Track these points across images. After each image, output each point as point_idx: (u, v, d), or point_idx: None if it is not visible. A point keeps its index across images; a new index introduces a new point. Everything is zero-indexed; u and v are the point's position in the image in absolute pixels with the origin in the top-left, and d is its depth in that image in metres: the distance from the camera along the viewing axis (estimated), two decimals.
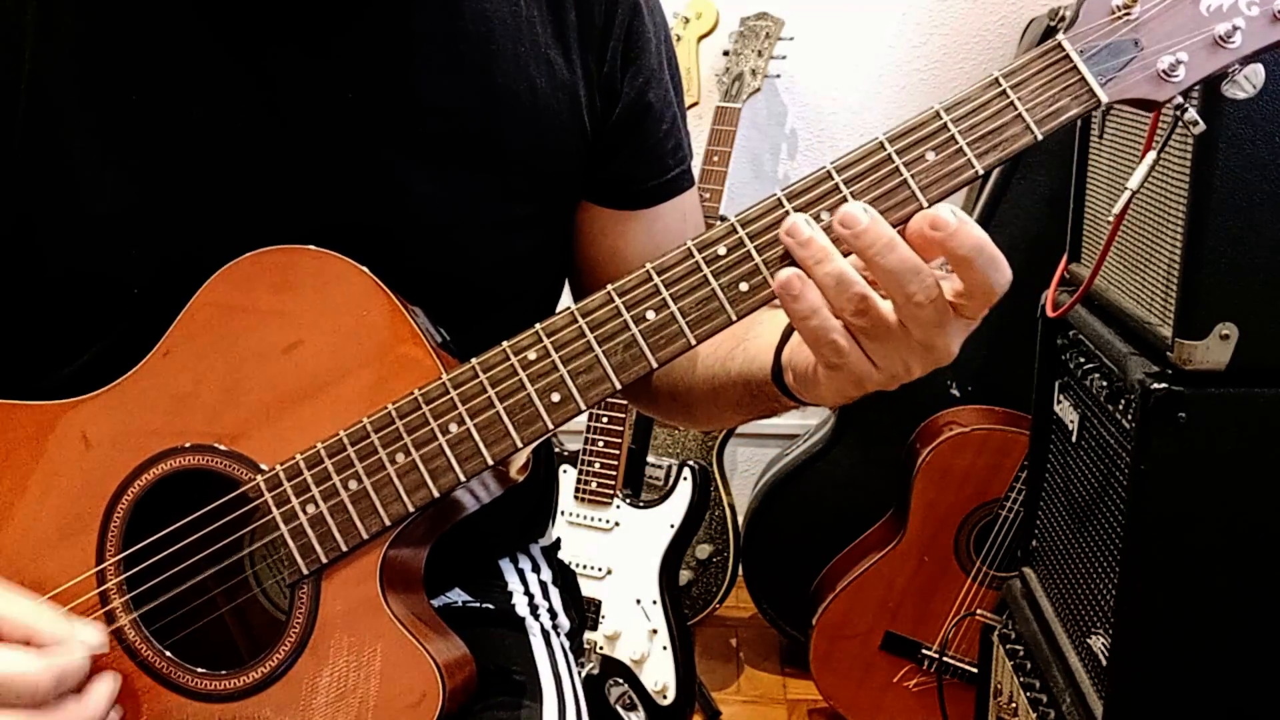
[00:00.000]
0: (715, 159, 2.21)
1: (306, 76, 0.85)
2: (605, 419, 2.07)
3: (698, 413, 0.97)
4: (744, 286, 0.75)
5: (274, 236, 0.83)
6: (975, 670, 1.89)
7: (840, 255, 0.71)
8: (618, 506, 2.09)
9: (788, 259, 0.75)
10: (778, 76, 2.43)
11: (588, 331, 0.77)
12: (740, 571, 2.38)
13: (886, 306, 0.71)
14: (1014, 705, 1.63)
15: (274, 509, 0.81)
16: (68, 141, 0.83)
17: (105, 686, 0.80)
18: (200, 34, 0.84)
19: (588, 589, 2.05)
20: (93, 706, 0.79)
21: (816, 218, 0.73)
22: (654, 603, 2.07)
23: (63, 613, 0.81)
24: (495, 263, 0.92)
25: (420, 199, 0.88)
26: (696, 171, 1.01)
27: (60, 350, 0.89)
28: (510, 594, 1.10)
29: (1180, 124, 0.76)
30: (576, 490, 2.10)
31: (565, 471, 2.10)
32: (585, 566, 2.08)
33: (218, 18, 0.84)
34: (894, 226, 0.75)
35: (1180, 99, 0.74)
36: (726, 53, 2.36)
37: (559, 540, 1.21)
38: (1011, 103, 0.72)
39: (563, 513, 2.11)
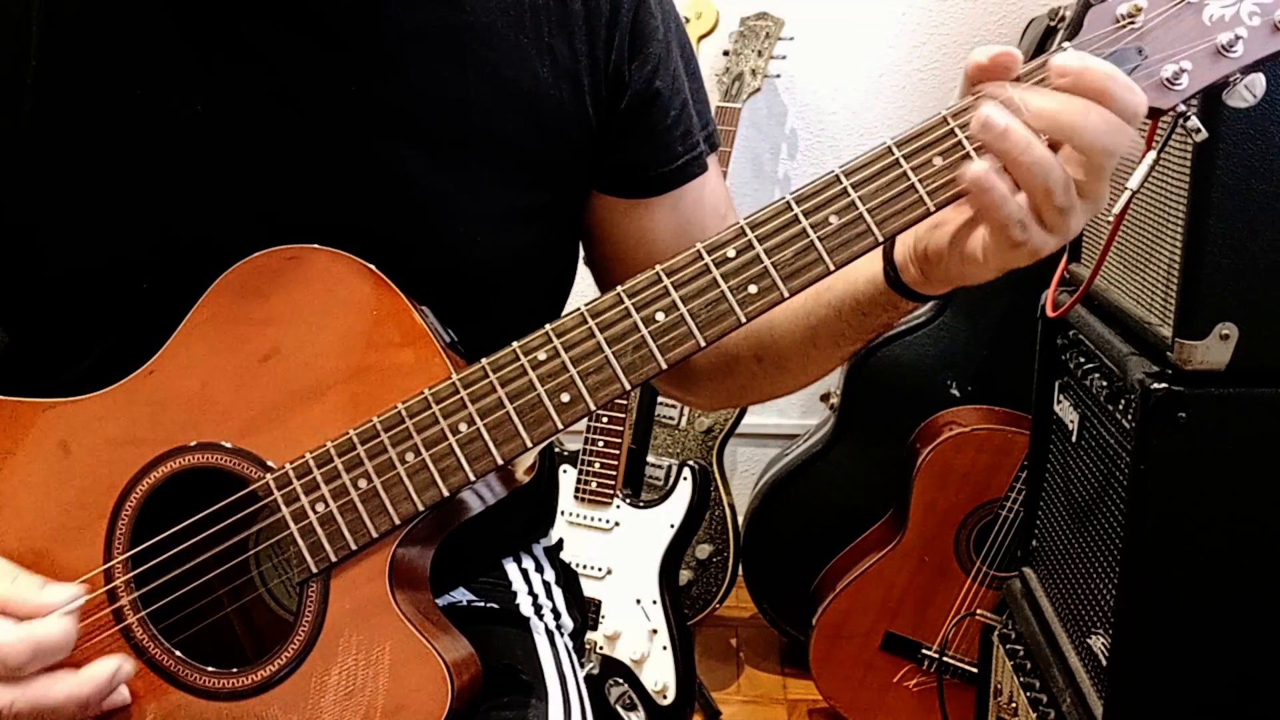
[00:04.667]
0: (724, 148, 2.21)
1: (309, 69, 0.85)
2: (605, 419, 2.07)
3: (791, 363, 0.94)
4: (753, 289, 0.76)
5: (279, 229, 0.83)
6: (975, 670, 1.90)
7: (1038, 140, 0.71)
8: (618, 506, 2.10)
9: (797, 262, 0.75)
10: (778, 76, 2.43)
11: (597, 332, 0.77)
12: (740, 571, 2.39)
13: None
14: (1014, 705, 1.63)
15: (283, 507, 0.81)
16: (73, 138, 0.84)
17: (105, 665, 0.80)
18: (205, 27, 0.84)
19: (588, 589, 2.05)
20: (87, 682, 0.78)
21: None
22: (654, 603, 2.07)
23: (39, 581, 0.80)
24: (501, 255, 0.92)
25: (424, 190, 0.88)
26: None
27: (72, 346, 0.89)
28: (514, 594, 1.10)
29: (1182, 130, 0.77)
30: (576, 490, 2.10)
31: (565, 471, 2.11)
32: (585, 566, 2.08)
33: (223, 12, 0.84)
34: (900, 231, 0.76)
35: (1182, 106, 0.75)
36: (726, 53, 2.37)
37: (561, 541, 1.21)
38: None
39: (563, 513, 2.11)
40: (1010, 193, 0.71)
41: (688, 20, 2.32)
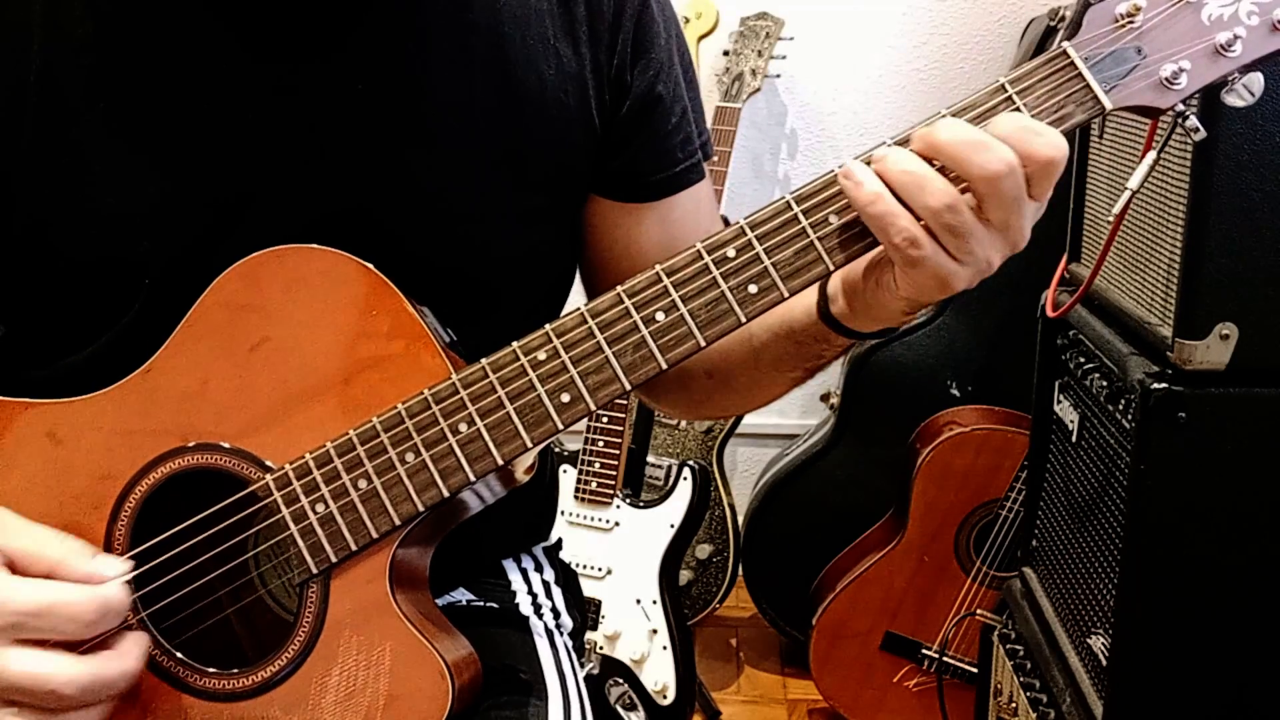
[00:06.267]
0: (715, 159, 2.21)
1: (317, 69, 0.85)
2: (605, 419, 2.07)
3: (738, 383, 0.95)
4: (753, 289, 0.76)
5: (285, 228, 0.83)
6: (975, 670, 1.90)
7: (911, 155, 0.72)
8: (618, 506, 2.10)
9: (797, 262, 0.76)
10: (778, 76, 2.43)
11: (597, 332, 0.77)
12: (740, 571, 2.39)
13: (968, 196, 0.72)
14: (1014, 705, 1.64)
15: (283, 508, 0.81)
16: (79, 137, 0.84)
17: (137, 637, 0.79)
18: (211, 28, 0.85)
19: (588, 589, 2.05)
20: (131, 656, 0.78)
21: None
22: (654, 603, 2.07)
23: (88, 546, 0.79)
24: (503, 256, 0.92)
25: (430, 190, 0.88)
26: None
27: (70, 338, 0.89)
28: (514, 593, 1.10)
29: (1181, 129, 0.77)
30: (576, 490, 2.10)
31: (565, 471, 2.11)
32: (585, 566, 2.08)
33: (228, 11, 0.84)
34: None
35: (1181, 105, 0.75)
36: (726, 53, 2.37)
37: (560, 540, 1.21)
38: (1018, 108, 0.73)
39: (562, 512, 2.11)
40: (899, 208, 0.72)
41: (687, 20, 2.33)
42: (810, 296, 0.83)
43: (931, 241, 0.72)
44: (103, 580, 0.76)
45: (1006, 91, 0.73)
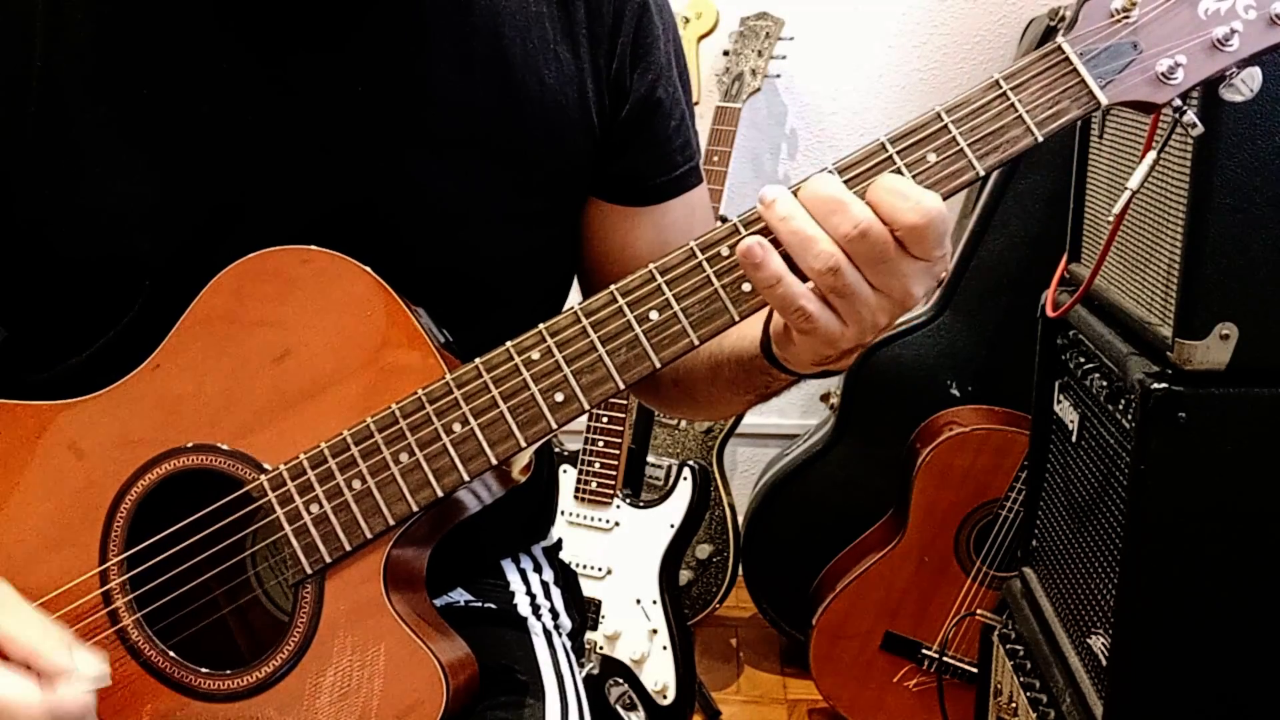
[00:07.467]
0: (715, 159, 2.21)
1: (317, 69, 0.86)
2: (605, 419, 2.07)
3: (699, 395, 0.97)
4: (746, 287, 0.76)
5: (284, 228, 0.83)
6: (975, 670, 1.89)
7: (806, 215, 0.71)
8: (618, 506, 2.10)
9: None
10: (778, 76, 2.43)
11: (591, 331, 0.77)
12: (740, 571, 2.38)
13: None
14: (1014, 705, 1.63)
15: (278, 508, 0.81)
16: (80, 136, 0.84)
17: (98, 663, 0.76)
18: (212, 28, 0.85)
19: (588, 589, 2.05)
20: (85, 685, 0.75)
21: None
22: (654, 603, 2.07)
23: (70, 637, 0.76)
24: (502, 258, 0.93)
25: (430, 191, 0.88)
26: None
27: (69, 340, 0.89)
28: (512, 594, 1.10)
29: (1179, 125, 0.77)
30: (576, 490, 2.10)
31: (565, 471, 2.10)
32: (585, 566, 2.08)
33: (230, 11, 0.84)
34: None
35: (1178, 101, 0.74)
36: (726, 53, 2.37)
37: (560, 541, 1.21)
38: (1012, 104, 0.73)
39: (562, 512, 2.11)
40: (784, 272, 0.72)
41: (687, 20, 2.33)
42: (757, 330, 0.84)
43: (824, 309, 0.73)
44: (69, 679, 0.73)
45: (1001, 88, 0.73)
